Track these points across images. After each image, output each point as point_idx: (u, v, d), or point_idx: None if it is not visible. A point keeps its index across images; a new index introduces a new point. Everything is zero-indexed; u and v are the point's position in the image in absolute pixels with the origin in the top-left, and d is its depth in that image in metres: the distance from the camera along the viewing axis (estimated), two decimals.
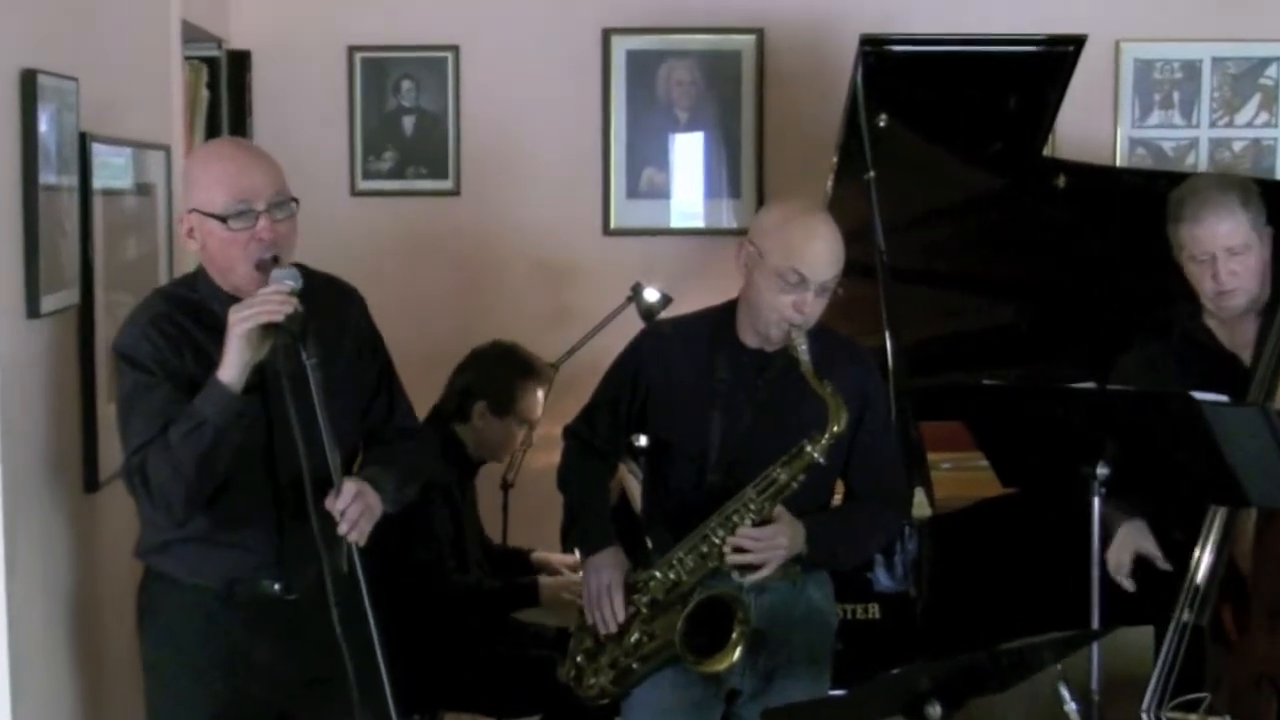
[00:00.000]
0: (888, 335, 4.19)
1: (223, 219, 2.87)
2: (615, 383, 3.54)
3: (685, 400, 3.39)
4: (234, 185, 2.88)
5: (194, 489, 2.83)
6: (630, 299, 4.90)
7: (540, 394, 4.40)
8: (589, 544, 3.47)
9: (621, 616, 3.36)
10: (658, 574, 3.36)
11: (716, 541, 3.28)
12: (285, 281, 2.83)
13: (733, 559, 3.26)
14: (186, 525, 2.91)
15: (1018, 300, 4.80)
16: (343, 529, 2.82)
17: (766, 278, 3.27)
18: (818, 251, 3.26)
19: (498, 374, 4.34)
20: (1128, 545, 3.56)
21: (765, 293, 3.28)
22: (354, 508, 2.84)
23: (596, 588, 3.38)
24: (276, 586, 3.00)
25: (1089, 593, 3.44)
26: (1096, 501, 3.41)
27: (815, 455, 3.24)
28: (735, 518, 3.28)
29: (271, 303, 2.77)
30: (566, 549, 4.21)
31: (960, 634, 3.96)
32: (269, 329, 2.78)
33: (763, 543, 3.25)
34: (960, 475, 4.47)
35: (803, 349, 3.25)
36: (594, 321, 4.93)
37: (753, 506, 3.27)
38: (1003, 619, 4.06)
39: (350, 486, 2.85)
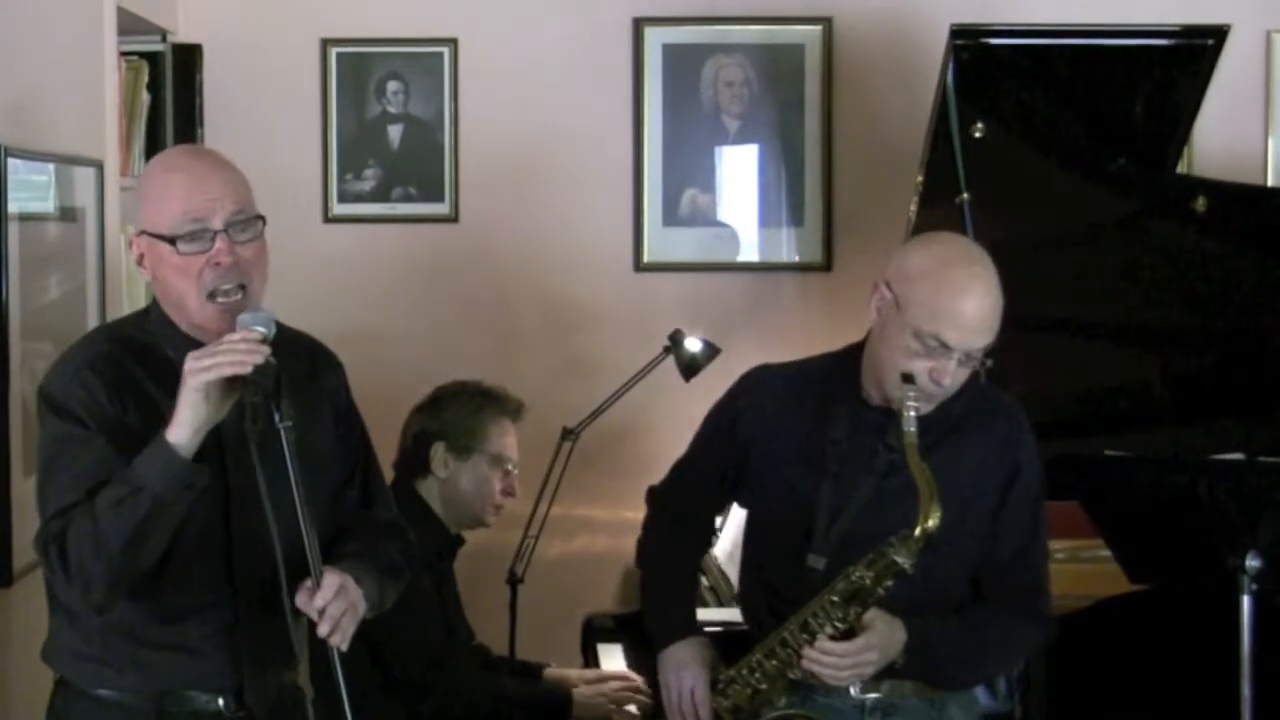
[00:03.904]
0: None
1: (171, 241, 2.87)
2: (708, 437, 3.54)
3: (788, 463, 3.38)
4: (185, 200, 2.87)
5: (119, 571, 2.80)
6: (667, 350, 4.87)
7: (509, 424, 4.37)
8: (666, 632, 3.46)
9: None
10: (736, 675, 3.36)
11: (794, 647, 3.28)
12: (255, 328, 2.81)
13: (809, 667, 3.24)
14: (105, 613, 2.88)
15: (1147, 350, 4.79)
16: (323, 630, 2.81)
17: (901, 333, 3.21)
18: (969, 315, 3.19)
19: (452, 407, 4.33)
20: None
21: (897, 350, 3.22)
22: (336, 604, 2.83)
23: (678, 691, 3.39)
24: (220, 702, 2.97)
25: (1239, 713, 3.42)
26: (1247, 600, 3.39)
27: (901, 562, 3.18)
28: (814, 622, 3.25)
29: (237, 351, 2.76)
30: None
31: None
32: (233, 383, 2.77)
33: (845, 659, 3.22)
34: (1077, 568, 4.42)
35: (911, 414, 3.17)
36: (623, 377, 4.89)
37: (835, 614, 3.24)
38: None
39: (332, 579, 2.83)
